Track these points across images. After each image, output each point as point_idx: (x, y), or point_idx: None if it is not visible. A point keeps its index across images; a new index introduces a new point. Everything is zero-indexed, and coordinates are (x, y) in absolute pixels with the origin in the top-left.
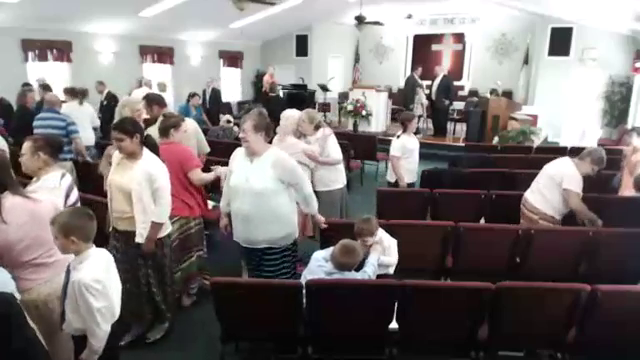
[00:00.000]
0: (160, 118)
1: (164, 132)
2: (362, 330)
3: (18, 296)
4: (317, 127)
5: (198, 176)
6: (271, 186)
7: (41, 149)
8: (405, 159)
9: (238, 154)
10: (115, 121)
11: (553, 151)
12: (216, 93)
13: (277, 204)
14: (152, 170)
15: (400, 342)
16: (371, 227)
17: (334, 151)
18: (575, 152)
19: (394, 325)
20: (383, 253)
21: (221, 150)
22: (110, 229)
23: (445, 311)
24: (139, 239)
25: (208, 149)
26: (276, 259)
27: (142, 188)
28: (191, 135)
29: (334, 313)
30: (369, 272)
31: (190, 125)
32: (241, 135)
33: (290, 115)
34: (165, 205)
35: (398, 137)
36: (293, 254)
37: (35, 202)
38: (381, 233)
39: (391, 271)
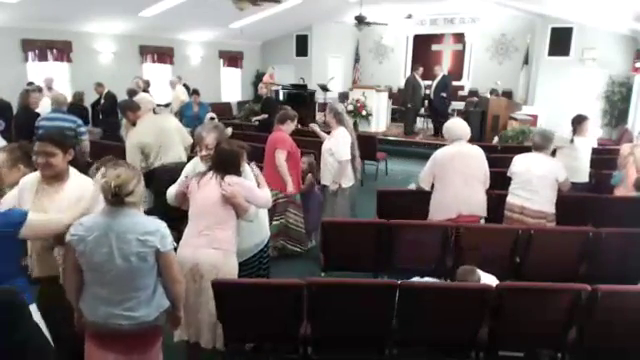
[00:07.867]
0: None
1: (282, 121)
2: (362, 330)
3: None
4: (339, 121)
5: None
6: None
7: (20, 160)
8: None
9: (192, 168)
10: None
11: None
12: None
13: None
14: (84, 192)
15: (400, 342)
16: (472, 278)
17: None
18: None
19: (394, 325)
20: None
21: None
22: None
23: (445, 311)
24: None
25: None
26: (252, 266)
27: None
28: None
29: (334, 313)
30: None
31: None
32: (204, 152)
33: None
34: None
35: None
36: (265, 254)
37: None
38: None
39: None
